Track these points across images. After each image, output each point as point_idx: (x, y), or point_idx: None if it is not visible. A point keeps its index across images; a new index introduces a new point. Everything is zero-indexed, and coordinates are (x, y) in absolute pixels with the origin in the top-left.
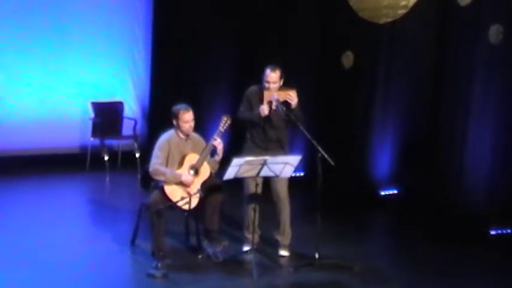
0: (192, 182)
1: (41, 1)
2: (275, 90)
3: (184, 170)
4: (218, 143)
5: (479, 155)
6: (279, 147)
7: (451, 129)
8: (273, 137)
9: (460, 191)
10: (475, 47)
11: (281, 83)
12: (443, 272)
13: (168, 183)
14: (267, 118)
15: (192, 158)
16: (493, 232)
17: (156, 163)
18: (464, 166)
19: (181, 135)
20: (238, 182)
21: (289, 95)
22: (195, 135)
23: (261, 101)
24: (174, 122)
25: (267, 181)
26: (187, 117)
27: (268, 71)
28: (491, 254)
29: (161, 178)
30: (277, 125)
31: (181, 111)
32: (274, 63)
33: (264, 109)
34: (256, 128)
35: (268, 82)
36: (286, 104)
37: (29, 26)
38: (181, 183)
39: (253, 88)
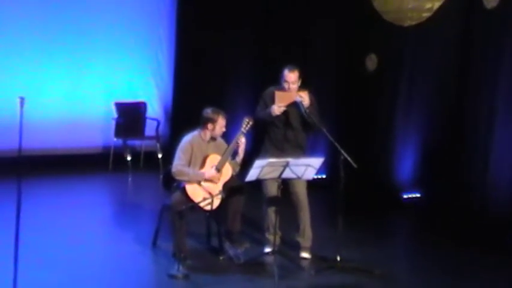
0: (217, 176)
1: (66, 2)
2: (294, 90)
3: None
4: (242, 141)
5: (503, 159)
6: (297, 148)
7: (474, 133)
8: (291, 138)
9: (483, 196)
10: (501, 50)
11: (299, 83)
12: (464, 277)
13: (190, 183)
14: (286, 119)
15: (213, 159)
16: None
17: (178, 164)
18: (487, 171)
19: (206, 138)
20: (259, 184)
21: (301, 96)
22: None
23: (274, 101)
24: (209, 126)
25: (286, 183)
26: (224, 122)
27: (286, 72)
28: None
29: (185, 178)
30: (295, 126)
31: (220, 116)
32: (296, 65)
33: (275, 109)
34: (275, 129)
35: (287, 82)
36: (296, 104)
37: (52, 26)
38: (204, 183)
39: (270, 89)
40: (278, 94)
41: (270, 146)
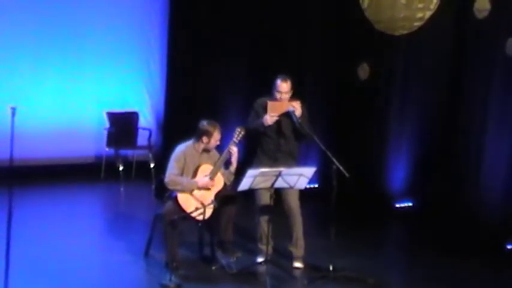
0: (211, 183)
1: (58, 11)
2: (286, 100)
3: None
4: (234, 151)
5: (495, 168)
6: (289, 157)
7: (467, 141)
8: (284, 147)
9: (476, 205)
10: (492, 59)
11: (291, 93)
12: (457, 285)
13: (183, 193)
14: (279, 129)
15: (205, 169)
16: (509, 247)
17: (172, 173)
18: (480, 179)
19: (200, 149)
20: (251, 193)
21: (293, 106)
22: None
23: (266, 111)
24: (205, 139)
25: (278, 193)
26: (219, 136)
27: (279, 82)
28: (508, 269)
29: (178, 188)
30: (287, 135)
31: (216, 131)
32: (289, 75)
33: (267, 119)
34: (267, 139)
35: (280, 92)
36: (288, 114)
37: (45, 35)
38: (197, 192)
39: (262, 99)
40: (271, 104)
41: (263, 156)
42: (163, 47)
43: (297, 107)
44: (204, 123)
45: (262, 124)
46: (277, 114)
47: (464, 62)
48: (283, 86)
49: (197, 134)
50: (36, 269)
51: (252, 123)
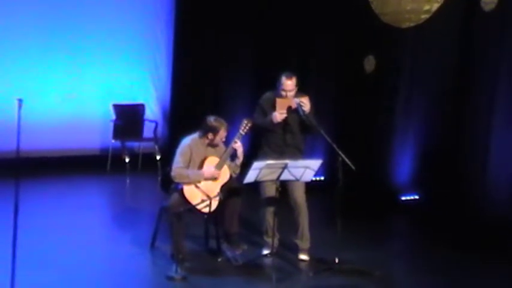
0: (217, 173)
1: (65, 4)
2: (291, 97)
3: None
4: (238, 145)
5: (502, 161)
6: (296, 151)
7: (473, 135)
8: (290, 142)
9: (481, 198)
10: (499, 52)
11: (296, 89)
12: (462, 279)
13: (188, 185)
14: (285, 123)
15: (211, 161)
16: None
17: (178, 167)
18: (486, 173)
19: (205, 143)
20: (256, 186)
21: (302, 102)
22: None
23: (274, 108)
24: (210, 135)
25: (284, 185)
26: (225, 134)
27: (284, 79)
28: None
29: (185, 181)
30: (294, 130)
31: (223, 128)
32: (295, 69)
33: (277, 116)
34: (273, 134)
35: (284, 90)
36: (296, 108)
37: (51, 27)
38: (203, 183)
39: (267, 95)
40: (279, 101)
41: (269, 150)
42: (170, 40)
43: (305, 102)
44: (211, 120)
45: (271, 121)
46: (286, 110)
47: (471, 54)
48: (288, 84)
49: (203, 129)
50: (42, 261)
51: (260, 120)
